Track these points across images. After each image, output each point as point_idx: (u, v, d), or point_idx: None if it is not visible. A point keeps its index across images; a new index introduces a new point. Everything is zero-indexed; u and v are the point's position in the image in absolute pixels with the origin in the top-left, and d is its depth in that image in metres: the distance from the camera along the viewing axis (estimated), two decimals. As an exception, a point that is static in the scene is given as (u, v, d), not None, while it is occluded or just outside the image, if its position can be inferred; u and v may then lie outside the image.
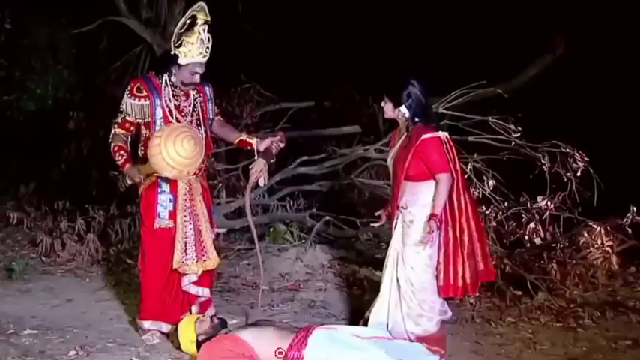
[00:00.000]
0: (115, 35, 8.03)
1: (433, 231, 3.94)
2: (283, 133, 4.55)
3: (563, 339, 4.53)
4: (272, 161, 4.44)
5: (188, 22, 4.11)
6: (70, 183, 7.76)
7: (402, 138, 4.14)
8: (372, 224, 4.53)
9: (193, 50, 4.14)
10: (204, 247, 4.34)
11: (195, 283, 4.39)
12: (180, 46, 4.15)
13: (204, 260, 4.34)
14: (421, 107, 4.04)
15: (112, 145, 4.31)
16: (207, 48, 4.18)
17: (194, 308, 4.43)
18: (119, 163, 4.29)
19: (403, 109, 4.04)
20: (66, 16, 7.22)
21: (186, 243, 4.29)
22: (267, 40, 8.07)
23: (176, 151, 4.01)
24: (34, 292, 5.34)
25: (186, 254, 4.29)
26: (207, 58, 4.20)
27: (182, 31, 4.12)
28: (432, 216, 3.96)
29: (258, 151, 4.40)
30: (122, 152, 4.28)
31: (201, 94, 4.42)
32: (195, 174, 4.32)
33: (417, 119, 4.04)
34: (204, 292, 4.45)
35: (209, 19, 4.15)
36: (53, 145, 7.97)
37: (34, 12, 7.02)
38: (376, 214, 4.42)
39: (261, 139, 4.46)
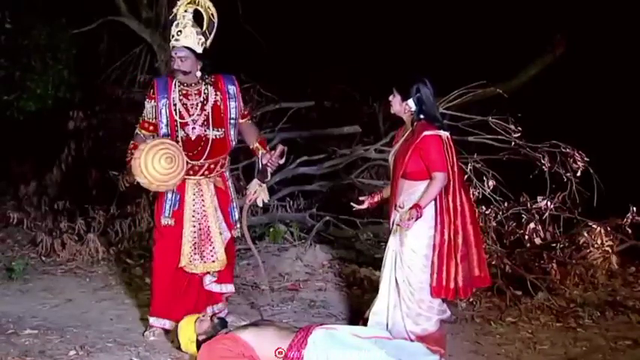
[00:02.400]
0: (115, 35, 8.04)
1: (411, 218, 3.93)
2: (285, 147, 4.47)
3: (563, 339, 4.53)
4: (267, 179, 4.38)
5: (174, 15, 4.25)
6: (70, 183, 7.76)
7: (406, 134, 4.16)
8: (352, 204, 4.46)
9: (172, 35, 4.25)
10: (212, 248, 4.35)
11: (217, 281, 4.43)
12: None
13: (212, 262, 4.35)
14: (428, 104, 4.06)
15: (133, 141, 4.38)
16: (180, 32, 4.20)
17: (220, 305, 4.49)
18: (127, 159, 4.32)
19: (411, 102, 4.06)
20: (66, 16, 7.21)
21: (195, 244, 4.32)
22: (267, 40, 8.07)
23: (153, 166, 4.07)
24: (34, 292, 5.34)
25: (193, 254, 4.31)
26: (179, 42, 4.20)
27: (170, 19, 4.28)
28: (415, 205, 3.95)
29: (260, 163, 4.40)
30: (134, 150, 4.30)
31: (221, 92, 4.39)
32: (204, 174, 4.34)
33: (422, 115, 4.06)
34: (227, 288, 4.49)
35: (202, 7, 4.25)
36: (53, 145, 7.97)
37: (34, 12, 7.01)
38: (360, 198, 4.41)
39: (268, 153, 4.40)
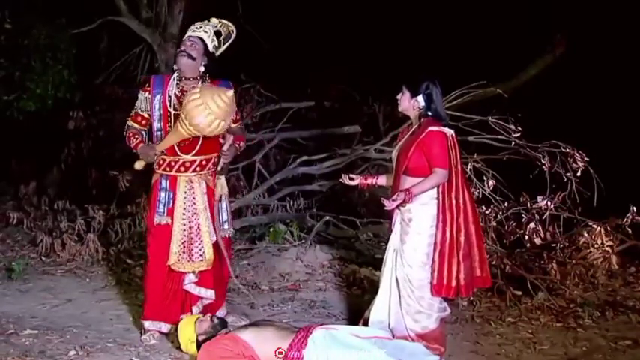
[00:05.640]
0: (115, 35, 8.04)
1: (395, 200, 3.96)
2: (239, 138, 4.53)
3: (563, 339, 4.53)
4: (219, 170, 4.44)
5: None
6: (70, 183, 7.77)
7: (411, 130, 4.17)
8: (341, 180, 4.43)
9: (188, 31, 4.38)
10: (201, 247, 4.34)
11: (196, 283, 4.38)
12: None
13: (200, 260, 4.33)
14: (436, 102, 4.09)
15: (127, 133, 4.41)
16: (199, 27, 4.35)
17: (195, 309, 4.42)
18: (133, 145, 4.35)
19: (420, 98, 4.07)
20: (66, 16, 7.21)
21: (184, 242, 4.30)
22: (267, 40, 8.07)
23: (214, 100, 3.96)
24: (34, 292, 5.34)
25: (182, 252, 4.30)
26: (196, 33, 4.33)
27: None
28: (407, 190, 3.97)
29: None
30: (137, 136, 4.38)
31: None
32: (195, 170, 4.33)
33: (429, 113, 4.07)
34: (206, 293, 4.42)
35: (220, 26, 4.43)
36: (53, 145, 7.98)
37: (34, 12, 7.01)
38: (351, 176, 4.39)
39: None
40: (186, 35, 4.38)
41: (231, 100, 4.04)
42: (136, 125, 4.42)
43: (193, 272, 4.35)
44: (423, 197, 4.03)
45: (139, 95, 4.41)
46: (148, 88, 4.37)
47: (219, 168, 4.45)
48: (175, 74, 4.37)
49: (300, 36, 7.92)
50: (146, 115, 4.40)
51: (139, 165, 4.38)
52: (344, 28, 8.01)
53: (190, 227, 4.32)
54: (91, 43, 7.92)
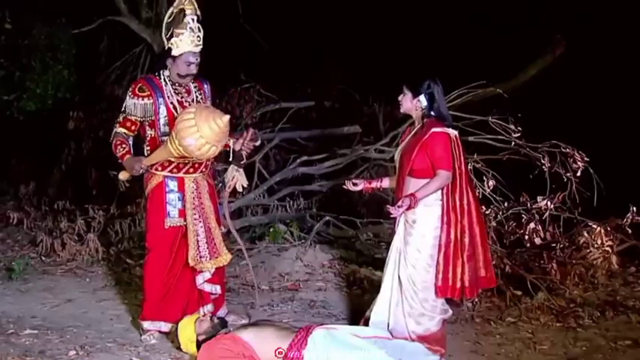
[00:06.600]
0: (115, 35, 8.05)
1: (401, 206, 3.94)
2: (255, 130, 4.49)
3: (563, 339, 4.53)
4: (242, 162, 4.42)
5: (175, 14, 4.18)
6: (70, 183, 7.77)
7: (414, 131, 4.16)
8: (344, 187, 4.42)
9: (184, 40, 4.17)
10: (215, 244, 4.36)
11: (208, 281, 4.42)
12: (171, 37, 4.20)
13: (217, 257, 4.36)
14: (439, 101, 4.07)
15: (114, 140, 4.31)
16: (199, 37, 4.20)
17: (209, 307, 4.45)
18: (119, 154, 4.26)
19: (422, 98, 4.06)
20: (66, 16, 7.22)
21: (198, 241, 4.31)
22: (267, 39, 8.07)
23: (208, 125, 3.89)
24: (34, 292, 5.34)
25: (199, 252, 4.31)
26: (200, 47, 4.22)
27: (170, 20, 4.20)
28: (411, 195, 3.96)
29: (233, 151, 4.41)
30: (123, 145, 4.28)
31: (202, 92, 4.44)
32: (202, 171, 4.35)
33: (432, 112, 4.06)
34: (216, 289, 4.47)
35: (197, 9, 4.19)
36: (53, 145, 7.98)
37: (34, 12, 7.01)
38: (354, 181, 4.38)
39: (238, 138, 4.45)
40: (189, 49, 4.18)
41: (225, 125, 3.95)
42: (124, 131, 4.31)
43: (209, 271, 4.37)
44: (428, 199, 4.01)
45: (132, 100, 4.26)
46: (146, 94, 4.25)
47: (242, 160, 4.43)
48: (166, 75, 4.30)
49: (300, 36, 7.92)
50: (136, 121, 4.31)
51: (123, 176, 4.34)
52: (344, 28, 8.02)
53: (202, 226, 4.33)
54: (91, 43, 7.93)
